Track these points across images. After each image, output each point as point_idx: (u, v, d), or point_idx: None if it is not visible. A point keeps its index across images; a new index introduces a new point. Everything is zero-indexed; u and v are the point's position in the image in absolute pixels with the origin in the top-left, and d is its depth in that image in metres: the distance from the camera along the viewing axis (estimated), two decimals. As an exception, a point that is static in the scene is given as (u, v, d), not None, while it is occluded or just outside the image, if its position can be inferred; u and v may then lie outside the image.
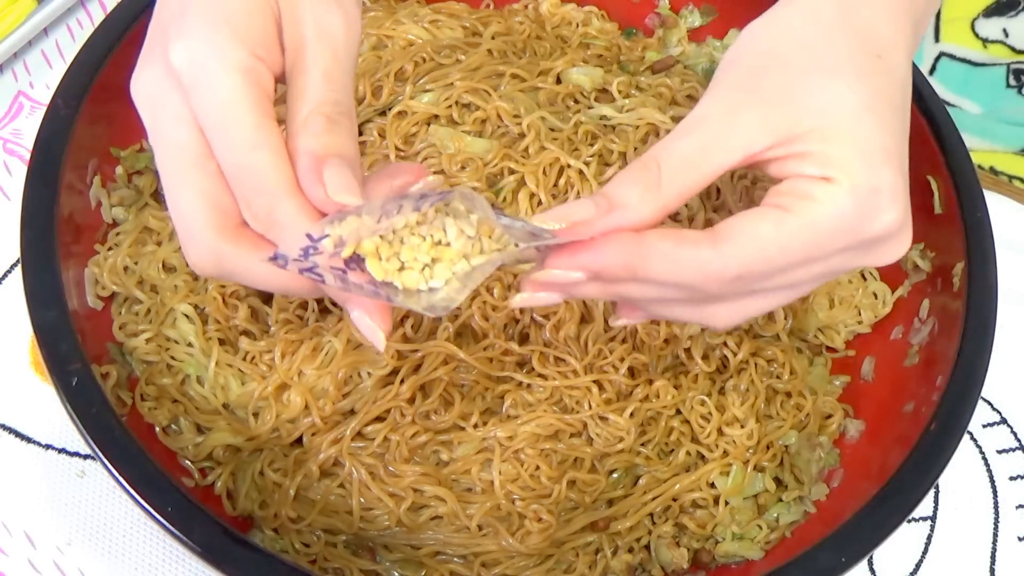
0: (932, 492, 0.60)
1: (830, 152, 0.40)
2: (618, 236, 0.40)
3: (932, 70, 0.83)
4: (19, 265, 0.56)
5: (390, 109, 0.60)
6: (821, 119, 0.40)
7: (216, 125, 0.40)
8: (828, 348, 0.62)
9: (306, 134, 0.40)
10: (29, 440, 0.56)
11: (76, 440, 0.56)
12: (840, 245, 0.41)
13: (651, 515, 0.56)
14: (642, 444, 0.56)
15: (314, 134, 0.40)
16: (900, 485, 0.49)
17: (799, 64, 0.42)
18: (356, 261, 0.39)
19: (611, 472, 0.56)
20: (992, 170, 0.77)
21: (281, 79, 0.42)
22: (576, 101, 0.63)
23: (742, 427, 0.57)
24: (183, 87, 0.40)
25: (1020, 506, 0.62)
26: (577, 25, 0.70)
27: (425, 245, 0.40)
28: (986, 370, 0.53)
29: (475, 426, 0.55)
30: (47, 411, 0.57)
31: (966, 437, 0.60)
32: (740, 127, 0.41)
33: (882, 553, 0.60)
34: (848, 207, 0.40)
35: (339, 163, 0.40)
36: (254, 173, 0.39)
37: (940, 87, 0.81)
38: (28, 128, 0.66)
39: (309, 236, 0.39)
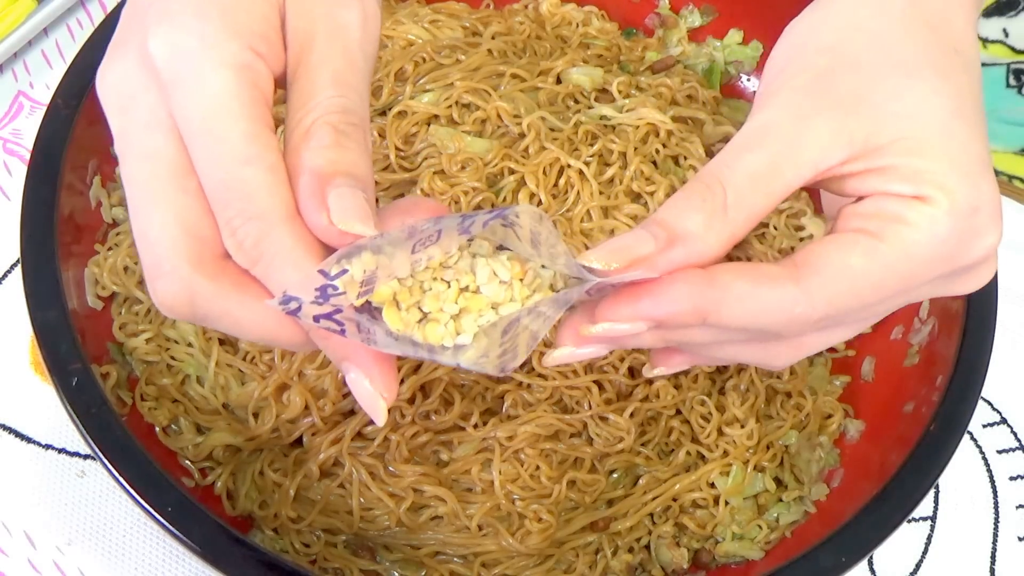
0: (932, 492, 0.60)
1: (920, 166, 0.35)
2: (685, 277, 0.34)
3: (932, 70, 0.83)
4: (19, 265, 0.56)
5: (390, 109, 0.60)
6: (906, 127, 0.35)
7: (200, 131, 0.34)
8: (828, 348, 0.62)
9: (309, 148, 0.34)
10: (29, 440, 0.56)
11: (76, 440, 0.56)
12: (935, 275, 0.36)
13: (651, 515, 0.56)
14: (642, 444, 0.56)
15: (319, 148, 0.34)
16: (900, 485, 0.49)
17: (873, 63, 0.36)
18: (367, 311, 0.33)
19: (611, 472, 0.56)
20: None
21: (281, 82, 0.37)
22: (576, 101, 0.63)
23: (742, 427, 0.57)
24: (161, 83, 0.34)
25: (1020, 506, 0.62)
26: (577, 25, 0.70)
27: (451, 292, 0.34)
28: (986, 370, 0.53)
29: (475, 426, 0.55)
30: (47, 411, 0.57)
31: (966, 437, 0.60)
32: (811, 138, 0.35)
33: (882, 553, 0.59)
34: (947, 231, 0.34)
35: (348, 183, 0.33)
36: (242, 193, 0.33)
37: (940, 87, 0.81)
38: (28, 128, 0.66)
39: (323, 273, 0.32)
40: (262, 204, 0.33)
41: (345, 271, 0.32)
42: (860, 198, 0.36)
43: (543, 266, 0.35)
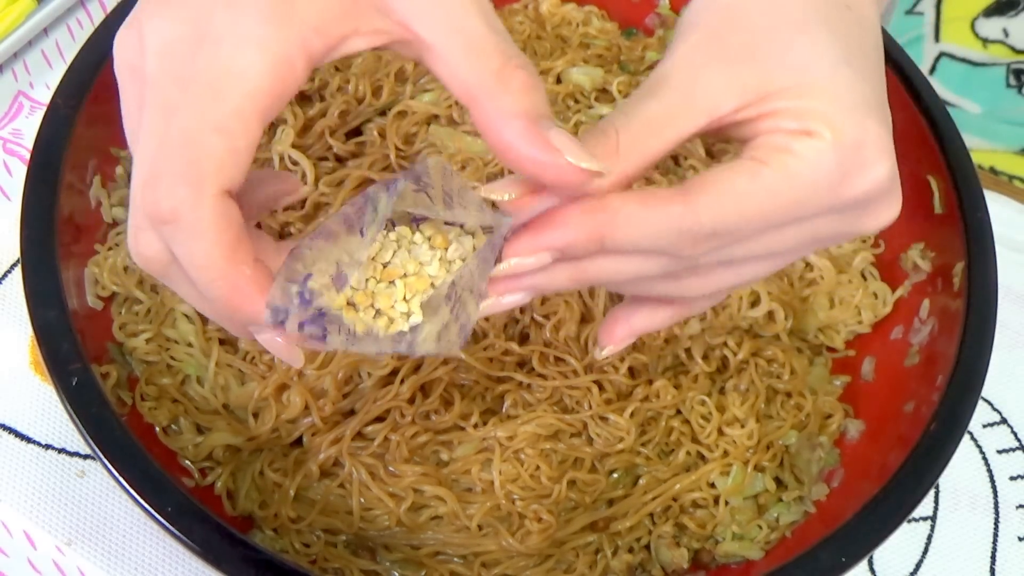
0: (932, 492, 0.60)
1: (808, 106, 0.37)
2: (578, 204, 0.36)
3: (932, 70, 0.83)
4: (19, 265, 0.56)
5: (390, 109, 0.60)
6: (795, 76, 0.38)
7: (205, 83, 0.34)
8: (828, 348, 0.62)
9: (510, 91, 0.35)
10: (29, 440, 0.56)
11: (76, 440, 0.56)
12: (823, 205, 0.38)
13: (651, 515, 0.56)
14: (642, 444, 0.56)
15: (520, 91, 0.35)
16: (900, 485, 0.49)
17: (764, 20, 0.39)
18: (319, 320, 0.35)
19: (611, 472, 0.56)
20: (992, 170, 0.77)
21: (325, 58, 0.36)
22: (576, 101, 0.63)
23: (742, 427, 0.57)
24: (199, 38, 0.35)
25: (1020, 506, 0.62)
26: (577, 25, 0.70)
27: (399, 289, 0.36)
28: (986, 370, 0.53)
29: (475, 426, 0.55)
30: (47, 411, 0.57)
31: (966, 437, 0.60)
32: (704, 89, 0.37)
33: (882, 553, 0.59)
34: (831, 161, 0.37)
35: (557, 125, 0.35)
36: (195, 154, 0.34)
37: (940, 87, 0.81)
38: (28, 128, 0.66)
39: (294, 282, 0.34)
40: (205, 172, 0.34)
41: (310, 276, 0.34)
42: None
43: (462, 225, 0.37)
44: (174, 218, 0.34)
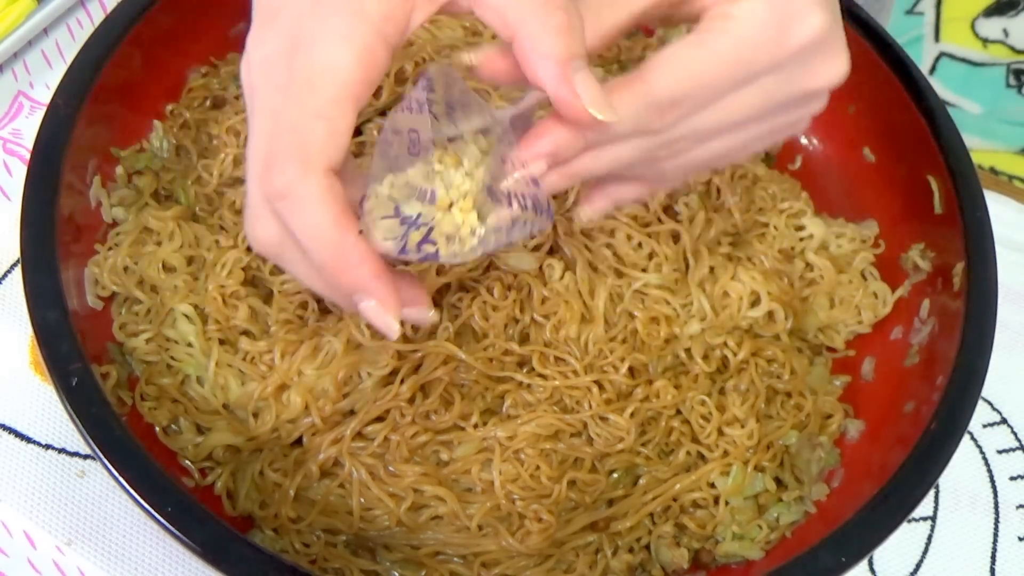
0: (932, 492, 0.60)
1: None
2: (558, 116, 0.40)
3: (932, 70, 0.83)
4: (19, 265, 0.56)
5: (390, 109, 0.60)
6: None
7: (302, 79, 0.39)
8: (828, 348, 0.62)
9: (546, 33, 0.39)
10: (29, 440, 0.56)
11: (76, 440, 0.56)
12: (766, 60, 0.42)
13: (651, 515, 0.56)
14: (642, 444, 0.56)
15: (556, 32, 0.39)
16: (900, 485, 0.49)
17: None
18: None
19: (611, 472, 0.56)
20: (992, 170, 0.77)
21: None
22: (576, 101, 0.63)
23: (742, 427, 0.57)
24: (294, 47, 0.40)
25: (1020, 506, 0.62)
26: (577, 25, 0.70)
27: (457, 217, 0.41)
28: (986, 370, 0.53)
29: (475, 426, 0.55)
30: (47, 411, 0.57)
31: (966, 437, 0.60)
32: None
33: (882, 553, 0.59)
34: (764, 15, 0.41)
35: (587, 67, 0.39)
36: (304, 136, 0.39)
37: (940, 87, 0.81)
38: (28, 128, 0.66)
39: (390, 216, 0.39)
40: (311, 152, 0.38)
41: (400, 204, 0.40)
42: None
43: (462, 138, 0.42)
44: (288, 192, 0.39)
